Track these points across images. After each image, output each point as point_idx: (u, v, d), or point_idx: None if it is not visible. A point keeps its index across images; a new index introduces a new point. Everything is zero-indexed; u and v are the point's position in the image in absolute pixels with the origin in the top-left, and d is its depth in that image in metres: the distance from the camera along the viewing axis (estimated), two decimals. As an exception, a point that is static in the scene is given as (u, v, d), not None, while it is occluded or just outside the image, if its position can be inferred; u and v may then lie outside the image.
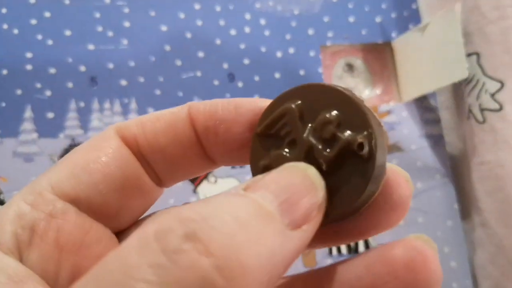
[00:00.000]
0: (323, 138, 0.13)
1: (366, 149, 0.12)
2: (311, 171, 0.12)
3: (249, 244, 0.10)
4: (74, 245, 0.13)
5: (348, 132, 0.12)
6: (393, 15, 0.40)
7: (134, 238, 0.10)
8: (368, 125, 0.12)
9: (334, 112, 0.12)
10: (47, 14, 0.36)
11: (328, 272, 0.13)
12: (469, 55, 0.35)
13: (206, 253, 0.09)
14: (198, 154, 0.15)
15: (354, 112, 0.12)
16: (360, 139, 0.12)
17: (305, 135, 0.13)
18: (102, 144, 0.14)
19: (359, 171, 0.12)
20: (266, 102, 0.14)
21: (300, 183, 0.12)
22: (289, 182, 0.11)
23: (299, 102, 0.13)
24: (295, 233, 0.11)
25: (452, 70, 0.34)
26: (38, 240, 0.13)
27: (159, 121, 0.15)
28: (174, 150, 0.15)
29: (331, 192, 0.12)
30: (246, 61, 0.38)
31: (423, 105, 0.39)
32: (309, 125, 0.13)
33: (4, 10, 0.36)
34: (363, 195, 0.12)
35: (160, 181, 0.15)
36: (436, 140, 0.38)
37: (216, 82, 0.37)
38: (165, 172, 0.15)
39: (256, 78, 0.38)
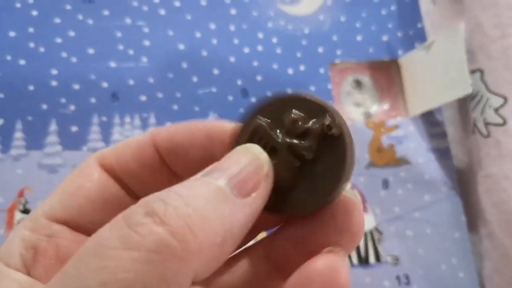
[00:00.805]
0: (296, 135, 0.15)
1: (334, 128, 0.14)
2: (255, 149, 0.15)
3: (198, 213, 0.12)
4: None
5: (314, 121, 0.14)
6: (399, 34, 0.42)
7: (108, 223, 0.12)
8: (326, 110, 0.14)
9: (297, 112, 0.15)
10: (72, 33, 0.38)
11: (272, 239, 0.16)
12: (473, 72, 0.36)
13: (162, 223, 0.11)
14: (166, 173, 0.17)
15: (312, 106, 0.14)
16: (326, 121, 0.14)
17: (280, 139, 0.15)
18: (85, 172, 0.17)
19: (336, 149, 0.14)
20: (218, 124, 0.16)
21: (247, 160, 0.14)
22: (236, 161, 0.14)
23: (265, 117, 0.15)
24: (245, 200, 0.13)
25: (457, 86, 0.36)
26: (41, 257, 0.15)
27: (129, 148, 0.17)
28: (143, 172, 0.17)
29: (319, 176, 0.14)
30: (259, 78, 0.40)
31: (430, 120, 0.40)
32: (278, 130, 0.15)
33: (31, 30, 0.38)
34: (345, 168, 0.14)
35: (139, 198, 0.17)
36: (443, 154, 0.40)
37: (230, 98, 0.39)
38: (140, 191, 0.17)
39: (269, 94, 0.39)
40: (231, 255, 0.16)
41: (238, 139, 0.15)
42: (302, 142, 0.14)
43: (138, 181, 0.17)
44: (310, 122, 0.14)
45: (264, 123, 0.15)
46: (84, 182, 0.16)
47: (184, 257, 0.11)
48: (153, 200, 0.12)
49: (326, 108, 0.14)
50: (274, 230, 0.16)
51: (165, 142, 0.16)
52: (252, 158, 0.14)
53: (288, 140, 0.15)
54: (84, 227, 0.16)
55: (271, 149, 0.15)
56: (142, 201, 0.12)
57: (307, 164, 0.14)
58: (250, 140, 0.15)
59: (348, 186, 0.15)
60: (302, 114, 0.14)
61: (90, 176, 0.16)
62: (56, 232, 0.16)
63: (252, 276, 0.16)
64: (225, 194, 0.13)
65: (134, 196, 0.17)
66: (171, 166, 0.17)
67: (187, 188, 0.13)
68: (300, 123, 0.14)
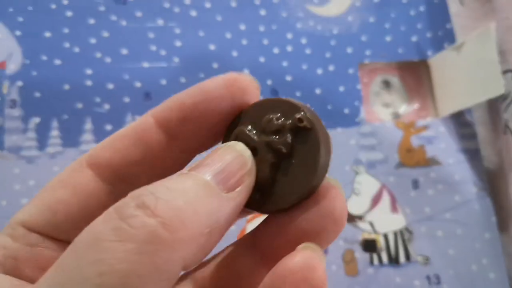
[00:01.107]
0: (272, 132, 0.15)
1: (305, 121, 0.15)
2: (240, 147, 0.15)
3: (188, 206, 0.12)
4: None
5: (287, 117, 0.15)
6: (428, 34, 0.42)
7: (100, 216, 0.13)
8: (297, 106, 0.15)
9: (271, 113, 0.16)
10: (106, 34, 0.39)
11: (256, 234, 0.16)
12: (504, 72, 0.36)
13: (153, 215, 0.12)
14: (172, 155, 0.16)
15: (286, 105, 0.15)
16: (297, 115, 0.15)
17: (257, 139, 0.16)
18: (70, 180, 0.16)
19: (310, 142, 0.15)
20: (229, 78, 0.16)
21: (231, 157, 0.14)
22: (222, 157, 0.14)
23: (246, 121, 0.16)
24: (230, 194, 0.14)
25: (488, 86, 0.36)
26: (22, 266, 0.15)
27: (127, 138, 0.16)
28: (149, 159, 0.16)
29: (296, 169, 0.15)
30: (288, 78, 0.40)
31: (460, 121, 0.40)
32: (254, 131, 0.16)
33: (66, 30, 0.39)
34: (320, 159, 0.15)
35: None
36: (473, 154, 0.40)
37: (260, 98, 0.39)
38: (144, 181, 0.16)
39: (298, 94, 0.40)
40: (221, 251, 0.17)
41: (224, 141, 0.16)
42: (277, 138, 0.15)
43: (145, 171, 0.16)
44: (283, 119, 0.15)
45: (243, 127, 0.16)
46: (67, 195, 0.16)
47: (174, 247, 0.12)
48: (143, 193, 0.12)
49: (298, 106, 0.15)
50: (260, 221, 0.16)
51: (173, 113, 0.16)
52: (236, 155, 0.15)
53: (265, 137, 0.15)
54: (65, 241, 0.16)
55: (253, 150, 0.15)
56: (131, 194, 0.13)
57: (285, 159, 0.15)
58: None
59: (325, 177, 0.15)
60: (278, 114, 0.15)
61: (75, 186, 0.16)
62: (37, 241, 0.16)
63: (238, 268, 0.16)
64: (212, 188, 0.13)
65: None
66: (185, 139, 0.16)
67: (175, 182, 0.13)
68: (274, 121, 0.15)
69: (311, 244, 0.14)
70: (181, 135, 0.16)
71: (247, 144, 0.15)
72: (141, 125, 0.16)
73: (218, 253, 0.17)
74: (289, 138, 0.15)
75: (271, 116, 0.15)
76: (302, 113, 0.15)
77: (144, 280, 0.11)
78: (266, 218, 0.16)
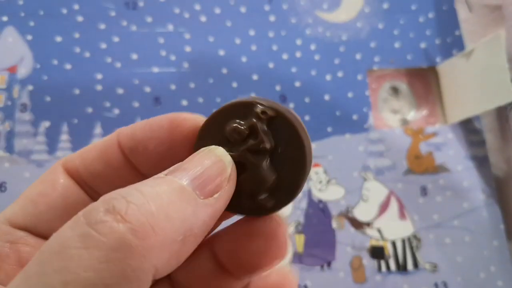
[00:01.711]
0: (245, 139, 0.15)
1: (268, 110, 0.15)
2: (220, 151, 0.15)
3: (160, 211, 0.12)
4: None
5: (248, 117, 0.15)
6: (437, 41, 0.42)
7: (69, 221, 0.12)
8: (250, 102, 0.15)
9: (230, 122, 0.15)
10: (116, 39, 0.39)
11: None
12: (514, 80, 0.36)
13: (122, 221, 0.11)
14: (132, 173, 0.17)
15: (236, 108, 0.15)
16: (257, 110, 0.15)
17: (235, 152, 0.15)
18: (49, 178, 0.17)
19: (283, 126, 0.15)
20: (177, 116, 0.16)
21: (210, 161, 0.14)
22: (200, 162, 0.14)
23: (210, 141, 0.16)
24: (207, 201, 0.13)
25: (498, 94, 0.36)
26: (2, 263, 0.15)
27: (95, 150, 0.17)
28: (109, 174, 0.16)
29: (288, 154, 0.15)
30: (297, 84, 0.40)
31: (468, 127, 0.40)
32: (226, 148, 0.15)
33: (77, 35, 0.39)
34: (302, 136, 0.15)
35: None
36: (481, 162, 0.40)
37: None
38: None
39: (307, 100, 0.40)
40: None
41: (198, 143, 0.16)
42: (253, 140, 0.15)
43: (105, 183, 0.17)
44: (246, 121, 0.15)
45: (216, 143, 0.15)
46: (46, 189, 0.16)
47: (145, 254, 0.11)
48: (114, 197, 0.12)
49: (250, 101, 0.15)
50: (220, 229, 0.17)
51: (127, 140, 0.16)
52: (215, 160, 0.14)
53: (243, 147, 0.15)
54: (46, 233, 0.16)
55: (241, 164, 0.15)
56: (103, 198, 0.12)
57: (273, 154, 0.15)
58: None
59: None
60: (237, 120, 0.15)
61: (53, 182, 0.16)
62: (18, 238, 0.16)
63: (201, 273, 0.16)
64: (188, 194, 0.13)
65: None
66: (136, 165, 0.17)
67: (149, 186, 0.13)
68: (239, 128, 0.15)
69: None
70: (135, 161, 0.16)
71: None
72: (107, 141, 0.17)
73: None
74: (266, 133, 0.15)
75: (233, 125, 0.15)
76: (259, 106, 0.15)
77: None
78: (226, 228, 0.17)
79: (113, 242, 0.11)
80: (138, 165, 0.17)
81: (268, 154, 0.15)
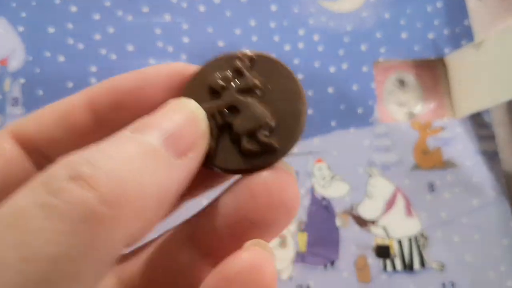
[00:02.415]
0: (231, 79, 0.14)
1: (249, 53, 0.14)
2: (192, 104, 0.13)
3: (132, 177, 0.11)
4: None
5: (230, 64, 0.14)
6: (446, 31, 0.40)
7: (22, 187, 0.11)
8: (232, 53, 0.15)
9: (215, 73, 0.14)
10: (111, 30, 0.38)
11: (210, 210, 0.14)
12: (527, 71, 0.35)
13: (89, 189, 0.10)
14: (95, 139, 0.15)
15: (222, 60, 0.15)
16: (238, 53, 0.14)
17: (224, 97, 0.14)
18: None
19: (268, 66, 0.14)
20: (171, 66, 0.15)
21: (182, 116, 0.13)
22: (171, 118, 0.12)
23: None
24: (181, 161, 0.12)
25: (508, 86, 0.34)
26: None
27: (53, 113, 0.15)
28: (71, 140, 0.15)
29: (279, 100, 0.14)
30: (300, 76, 0.38)
31: (477, 121, 0.39)
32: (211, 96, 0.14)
33: (70, 26, 0.37)
34: (296, 82, 0.14)
35: None
36: (491, 157, 0.38)
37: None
38: None
39: (310, 93, 0.38)
40: (148, 242, 0.15)
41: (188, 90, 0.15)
42: (240, 81, 0.14)
43: (66, 152, 0.15)
44: (230, 68, 0.14)
45: (204, 105, 0.14)
46: None
47: (115, 225, 0.10)
48: (77, 161, 0.11)
49: (229, 53, 0.15)
50: (200, 210, 0.15)
51: (106, 95, 0.14)
52: (188, 114, 0.13)
53: (232, 89, 0.14)
54: None
55: (232, 108, 0.14)
56: (64, 162, 0.11)
57: (264, 96, 0.14)
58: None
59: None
60: (218, 71, 0.14)
61: None
62: None
63: (174, 262, 0.14)
64: (161, 156, 0.12)
65: None
66: (116, 126, 0.14)
67: (115, 146, 0.11)
68: (222, 71, 0.14)
69: (259, 241, 0.13)
70: (111, 122, 0.14)
71: (227, 104, 0.14)
72: (70, 102, 0.15)
73: (148, 243, 0.15)
74: (252, 72, 0.14)
75: (216, 74, 0.14)
76: (238, 52, 0.14)
77: (78, 265, 0.10)
78: (206, 207, 0.14)
79: (80, 212, 0.10)
80: (118, 126, 0.14)
81: (259, 92, 0.14)
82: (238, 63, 0.14)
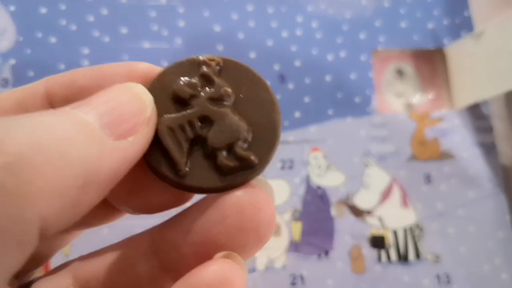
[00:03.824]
0: (201, 87, 0.13)
1: (215, 58, 0.13)
2: (138, 88, 0.13)
3: (52, 146, 0.09)
4: None
5: (195, 71, 0.14)
6: (445, 21, 0.40)
7: None
8: (194, 58, 0.14)
9: (179, 80, 0.14)
10: (104, 12, 0.37)
11: (173, 223, 0.14)
12: (526, 63, 0.34)
13: None
14: None
15: (185, 65, 0.14)
16: (201, 58, 0.14)
17: (195, 106, 0.13)
18: None
19: (235, 71, 0.14)
20: (133, 65, 0.14)
21: (127, 97, 0.12)
22: (112, 97, 0.12)
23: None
24: (118, 143, 0.11)
25: (508, 78, 0.34)
26: None
27: (9, 100, 0.14)
28: None
29: (251, 109, 0.13)
30: (297, 63, 0.38)
31: (476, 113, 0.38)
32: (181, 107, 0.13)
33: (63, 7, 0.36)
34: (269, 90, 0.13)
35: None
36: (488, 149, 0.38)
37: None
38: None
39: (307, 81, 0.38)
40: (109, 247, 0.14)
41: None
42: (210, 89, 0.13)
43: None
44: (196, 74, 0.13)
45: (171, 116, 0.13)
46: None
47: (26, 200, 0.09)
48: None
49: (193, 57, 0.14)
50: (165, 220, 0.14)
51: (62, 88, 0.14)
52: (133, 97, 0.12)
53: (201, 100, 0.13)
54: None
55: (204, 119, 0.13)
56: None
57: (236, 105, 0.13)
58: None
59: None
60: (183, 78, 0.14)
61: None
62: None
63: (133, 273, 0.13)
64: (92, 130, 0.11)
65: None
66: None
67: (44, 116, 0.10)
68: (187, 79, 0.13)
69: (231, 252, 0.12)
70: None
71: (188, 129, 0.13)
72: (28, 89, 0.14)
73: (109, 247, 0.14)
74: (220, 79, 0.13)
75: (182, 82, 0.13)
76: (200, 57, 0.13)
77: None
78: (171, 218, 0.14)
79: None
80: None
81: (232, 100, 0.13)
82: (206, 69, 0.13)
